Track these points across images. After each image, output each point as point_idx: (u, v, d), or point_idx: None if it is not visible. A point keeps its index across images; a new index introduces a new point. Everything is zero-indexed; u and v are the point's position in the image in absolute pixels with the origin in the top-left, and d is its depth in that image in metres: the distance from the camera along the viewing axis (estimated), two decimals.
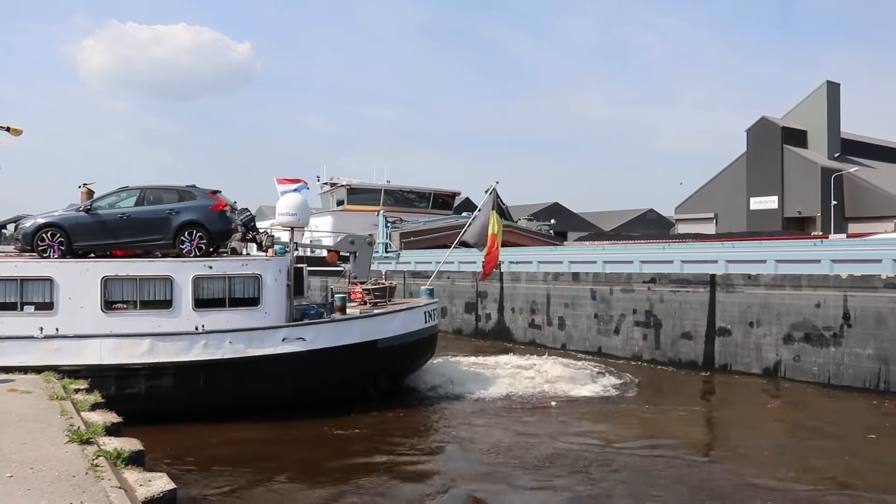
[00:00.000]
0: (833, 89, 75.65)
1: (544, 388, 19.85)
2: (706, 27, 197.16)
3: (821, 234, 53.45)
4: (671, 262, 24.80)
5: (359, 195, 44.39)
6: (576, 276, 27.96)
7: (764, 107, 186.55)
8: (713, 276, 23.32)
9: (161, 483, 6.39)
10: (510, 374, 21.49)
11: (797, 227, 69.05)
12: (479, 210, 21.61)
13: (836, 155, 74.40)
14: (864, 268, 20.07)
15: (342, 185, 44.94)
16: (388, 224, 40.05)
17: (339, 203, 46.01)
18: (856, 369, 19.60)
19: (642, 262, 26.02)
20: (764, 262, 22.60)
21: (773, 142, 73.73)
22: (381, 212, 40.62)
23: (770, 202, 73.34)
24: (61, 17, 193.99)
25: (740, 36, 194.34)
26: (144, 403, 15.76)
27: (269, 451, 14.51)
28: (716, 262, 23.76)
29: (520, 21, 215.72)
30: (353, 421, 16.66)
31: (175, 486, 6.38)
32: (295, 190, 21.21)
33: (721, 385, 21.37)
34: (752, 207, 74.66)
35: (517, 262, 30.98)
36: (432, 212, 45.20)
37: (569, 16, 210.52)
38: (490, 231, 20.92)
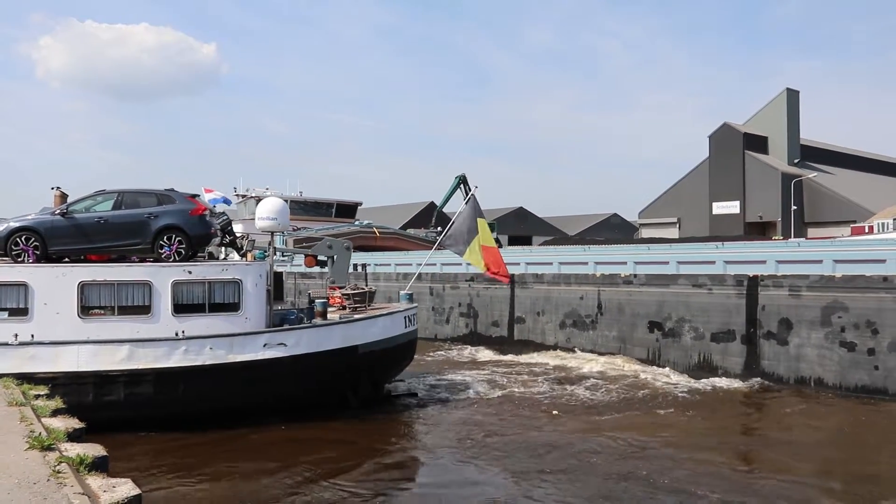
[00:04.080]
0: (793, 97, 77.15)
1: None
2: (668, 35, 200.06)
3: (776, 236, 54.36)
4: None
5: None
6: (420, 276, 31.92)
7: (726, 113, 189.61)
8: (513, 275, 28.15)
9: (126, 489, 6.19)
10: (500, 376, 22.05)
11: (758, 231, 70.22)
12: (459, 215, 21.50)
13: (796, 161, 75.88)
14: (617, 268, 26.64)
15: (252, 197, 47.02)
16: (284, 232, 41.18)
17: (252, 213, 47.14)
18: (606, 345, 26.28)
19: (468, 264, 28.34)
20: (550, 263, 28.86)
21: (734, 148, 75.01)
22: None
23: (732, 207, 74.54)
24: (19, 16, 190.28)
25: (702, 43, 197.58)
26: (123, 411, 15.52)
27: (239, 457, 14.33)
28: (518, 263, 29.21)
29: (483, 26, 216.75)
30: (331, 426, 16.61)
31: (140, 492, 6.18)
32: (222, 201, 23.25)
33: (519, 355, 27.91)
34: (714, 212, 75.80)
35: (379, 265, 36.59)
36: (335, 220, 49.07)
37: (532, 22, 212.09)
38: (483, 243, 20.74)
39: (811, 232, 68.70)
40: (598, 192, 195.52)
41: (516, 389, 20.90)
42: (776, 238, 56.17)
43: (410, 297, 20.91)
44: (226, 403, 16.37)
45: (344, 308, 20.32)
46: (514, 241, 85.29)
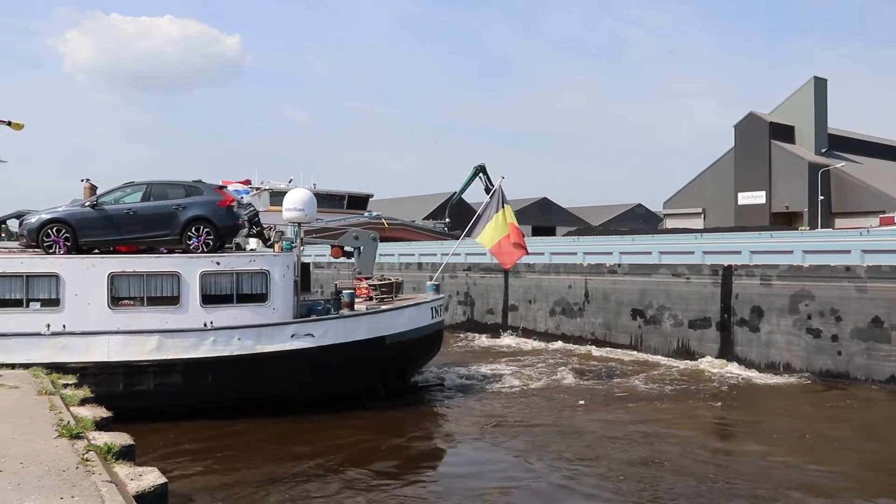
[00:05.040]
0: (820, 85, 76.06)
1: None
2: (694, 22, 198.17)
3: (805, 227, 53.69)
4: (484, 254, 29.33)
5: (278, 197, 46.47)
6: (420, 266, 35.15)
7: (752, 102, 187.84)
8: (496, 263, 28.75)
9: (152, 477, 6.24)
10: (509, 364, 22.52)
11: (785, 221, 69.39)
12: (486, 206, 21.41)
13: (823, 150, 74.87)
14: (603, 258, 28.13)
15: (266, 189, 47.92)
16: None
17: (266, 205, 48.05)
18: (593, 332, 27.61)
19: (467, 253, 32.38)
20: (542, 254, 29.93)
21: (760, 137, 74.08)
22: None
23: (758, 197, 73.67)
24: (44, 11, 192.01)
25: (728, 31, 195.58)
26: (153, 400, 15.63)
27: (265, 446, 14.40)
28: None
29: (507, 15, 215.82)
30: (359, 416, 16.63)
31: (166, 481, 6.23)
32: (245, 192, 23.75)
33: (513, 339, 29.87)
34: (739, 202, 74.96)
35: (384, 255, 37.18)
36: (347, 211, 49.53)
37: (556, 10, 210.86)
38: (503, 229, 20.60)
39: (838, 222, 67.78)
40: (622, 182, 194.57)
41: (538, 377, 21.04)
42: (803, 228, 55.52)
43: (437, 288, 20.89)
44: (254, 394, 16.43)
45: (371, 299, 20.33)
46: (537, 231, 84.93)
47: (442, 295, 20.94)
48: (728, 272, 23.48)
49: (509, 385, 20.13)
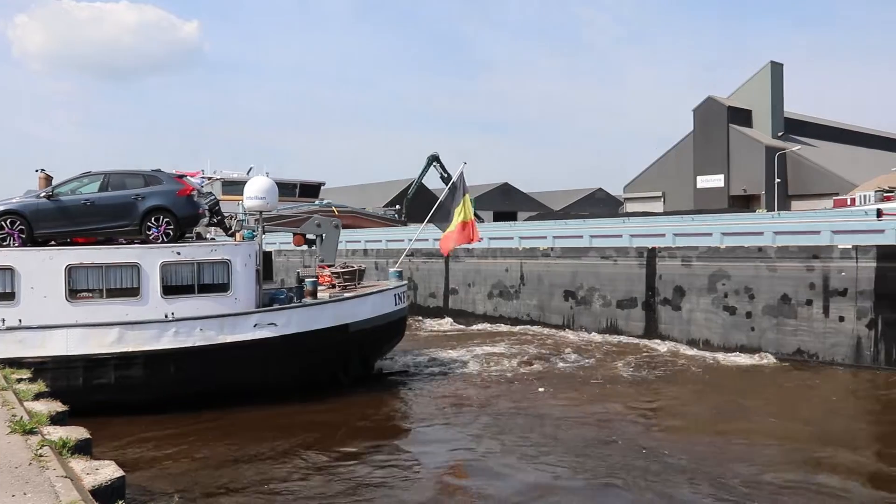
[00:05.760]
0: (777, 70, 77.17)
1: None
2: (655, 8, 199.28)
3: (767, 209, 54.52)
4: (427, 239, 30.99)
5: (232, 187, 46.55)
6: (366, 252, 36.25)
7: (712, 87, 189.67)
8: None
9: (109, 471, 6.15)
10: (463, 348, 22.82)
11: (743, 204, 70.44)
12: (449, 191, 21.44)
13: (780, 134, 76.04)
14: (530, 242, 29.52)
15: (217, 179, 47.56)
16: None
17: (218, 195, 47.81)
18: (528, 313, 28.70)
19: (409, 239, 31.69)
20: (482, 239, 28.94)
21: (719, 121, 75.01)
22: (240, 202, 41.60)
23: (716, 180, 74.67)
24: None
25: (688, 17, 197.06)
26: (114, 394, 15.45)
27: (228, 437, 14.26)
28: None
29: (466, 0, 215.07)
30: (323, 405, 16.59)
31: (123, 474, 6.14)
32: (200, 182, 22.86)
33: (455, 322, 31.06)
34: (698, 186, 75.91)
35: (359, 242, 38.31)
36: (299, 199, 49.67)
37: None
38: (461, 218, 20.72)
39: (795, 205, 69.00)
40: (583, 167, 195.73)
41: (491, 360, 21.30)
42: (760, 211, 56.37)
43: (400, 275, 20.86)
44: (217, 384, 16.30)
45: (334, 287, 20.26)
46: (499, 216, 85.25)
47: (405, 282, 20.90)
48: (652, 254, 24.74)
49: (467, 369, 20.33)
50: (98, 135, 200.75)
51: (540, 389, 17.78)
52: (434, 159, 62.02)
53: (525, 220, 60.11)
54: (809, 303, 20.74)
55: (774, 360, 20.65)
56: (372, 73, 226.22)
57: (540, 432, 14.12)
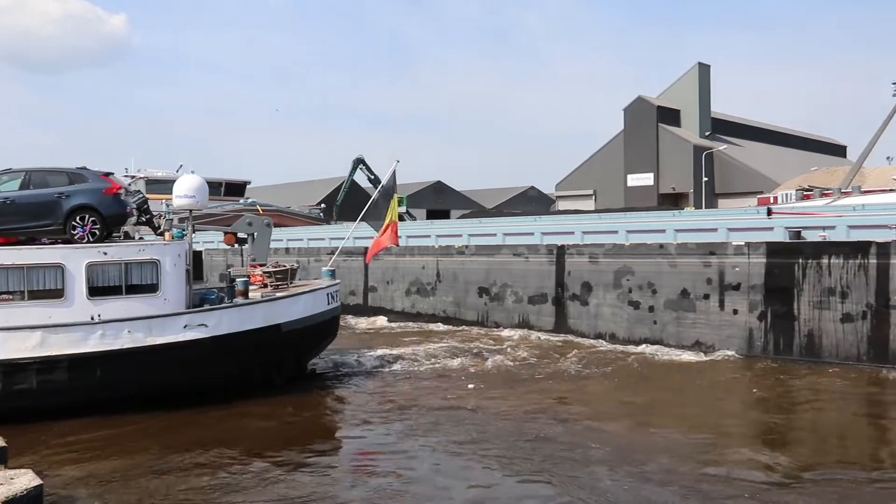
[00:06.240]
0: (704, 71, 79.14)
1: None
2: (587, 7, 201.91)
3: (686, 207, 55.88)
4: (344, 238, 30.28)
5: (156, 185, 45.99)
6: (287, 250, 36.76)
7: (642, 86, 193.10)
8: (366, 248, 29.71)
9: (25, 479, 6.05)
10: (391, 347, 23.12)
11: (672, 202, 72.06)
12: (380, 190, 21.41)
13: (707, 133, 78.03)
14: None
15: (141, 177, 46.99)
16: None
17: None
18: (444, 309, 29.18)
19: (331, 238, 34.73)
20: (400, 237, 30.20)
21: (648, 120, 76.60)
22: (165, 200, 41.14)
23: (646, 179, 76.25)
24: None
25: (620, 17, 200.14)
26: (37, 400, 14.98)
27: (154, 441, 13.90)
28: (373, 237, 30.31)
29: None
30: (255, 407, 16.35)
31: (41, 482, 6.03)
32: None
33: (375, 319, 31.03)
34: (629, 184, 77.42)
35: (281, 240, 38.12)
36: (224, 198, 49.30)
37: None
38: (388, 219, 20.78)
39: (721, 203, 70.90)
40: (516, 165, 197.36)
41: (418, 358, 21.38)
42: (688, 209, 57.69)
43: (333, 274, 20.73)
44: (146, 388, 15.92)
45: (265, 286, 20.03)
46: (431, 214, 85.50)
47: (338, 280, 20.78)
48: (561, 251, 25.46)
49: (396, 367, 20.37)
50: (17, 130, 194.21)
51: (470, 386, 17.93)
52: (359, 162, 61.54)
53: (458, 218, 60.41)
54: (707, 297, 21.68)
55: (677, 352, 21.40)
56: (304, 68, 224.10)
57: (470, 428, 14.23)
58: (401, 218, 39.45)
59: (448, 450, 12.98)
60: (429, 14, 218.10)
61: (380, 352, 22.21)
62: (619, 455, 12.30)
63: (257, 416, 15.70)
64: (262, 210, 47.07)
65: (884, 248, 18.74)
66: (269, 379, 17.99)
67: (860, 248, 19.15)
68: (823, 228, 20.77)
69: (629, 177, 77.37)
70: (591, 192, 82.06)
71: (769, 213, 21.85)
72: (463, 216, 60.12)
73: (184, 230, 18.10)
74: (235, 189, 51.77)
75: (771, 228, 21.64)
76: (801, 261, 19.99)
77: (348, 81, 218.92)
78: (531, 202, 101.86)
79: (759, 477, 11.17)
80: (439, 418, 15.00)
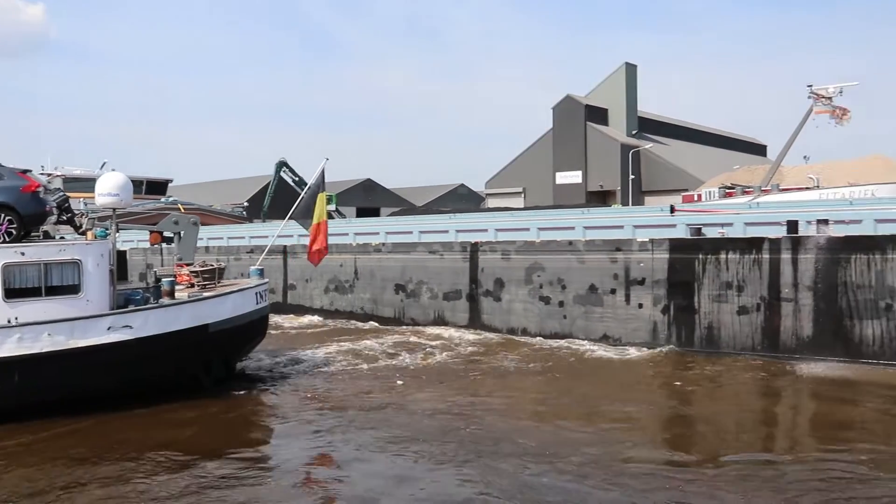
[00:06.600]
0: (631, 70, 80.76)
1: None
2: (516, 6, 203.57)
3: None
4: (267, 236, 32.08)
5: (74, 183, 45.32)
6: (207, 249, 36.10)
7: (570, 85, 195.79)
8: (285, 247, 32.36)
9: None
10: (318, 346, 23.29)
11: (599, 200, 73.44)
12: (308, 188, 21.25)
13: (634, 132, 79.70)
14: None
15: (58, 175, 46.07)
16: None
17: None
18: (362, 307, 29.60)
19: (251, 237, 35.38)
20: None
21: (576, 119, 77.82)
22: (84, 199, 40.52)
23: (574, 177, 77.46)
24: None
25: (549, 16, 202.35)
26: None
27: (72, 448, 13.48)
28: (291, 236, 31.43)
29: None
30: (182, 409, 16.15)
31: None
32: None
33: (294, 317, 31.24)
34: (557, 182, 78.55)
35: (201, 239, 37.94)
36: (146, 197, 48.48)
37: None
38: (315, 220, 20.65)
39: (648, 200, 72.50)
40: (446, 163, 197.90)
41: (347, 356, 21.53)
42: (616, 206, 58.83)
43: (261, 273, 20.51)
44: (69, 392, 15.58)
45: (192, 286, 19.70)
46: (361, 212, 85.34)
47: (266, 280, 20.56)
48: (475, 248, 26.10)
49: (324, 365, 20.42)
50: None
51: (399, 382, 18.15)
52: (282, 165, 60.63)
53: (388, 215, 60.38)
54: (614, 291, 22.56)
55: (586, 345, 22.17)
56: (229, 64, 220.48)
57: (399, 424, 14.43)
58: (330, 216, 39.15)
59: (381, 448, 13.04)
60: (356, 10, 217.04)
61: (306, 351, 22.27)
62: (540, 448, 12.64)
63: (185, 420, 15.52)
64: (184, 209, 46.36)
65: (775, 244, 19.88)
66: (197, 381, 17.73)
67: (754, 244, 20.26)
68: (722, 226, 21.95)
69: (558, 174, 78.49)
70: (520, 189, 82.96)
71: (672, 210, 22.87)
72: (392, 214, 60.11)
73: (107, 229, 17.67)
74: (157, 187, 50.95)
75: (674, 226, 22.65)
76: (701, 256, 21.01)
77: (274, 77, 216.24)
78: (461, 200, 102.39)
79: (666, 465, 11.80)
80: (370, 417, 15.11)
